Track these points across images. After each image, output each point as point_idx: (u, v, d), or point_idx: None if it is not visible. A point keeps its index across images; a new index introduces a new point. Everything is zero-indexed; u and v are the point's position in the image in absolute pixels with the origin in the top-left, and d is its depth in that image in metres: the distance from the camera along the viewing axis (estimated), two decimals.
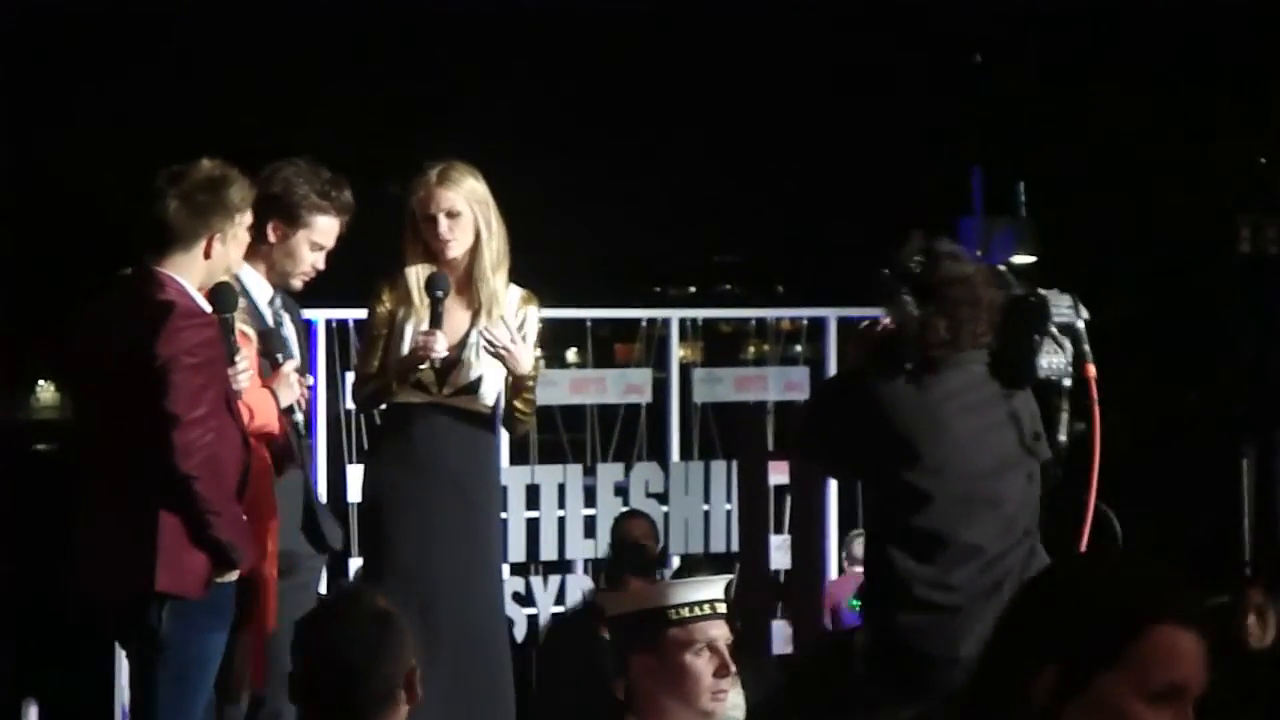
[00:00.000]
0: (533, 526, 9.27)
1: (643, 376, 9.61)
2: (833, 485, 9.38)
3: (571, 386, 9.55)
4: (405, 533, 6.43)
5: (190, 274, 5.61)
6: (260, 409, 5.95)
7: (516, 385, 6.49)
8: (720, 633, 4.40)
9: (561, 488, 9.32)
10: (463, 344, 6.50)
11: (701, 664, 4.36)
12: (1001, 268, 6.02)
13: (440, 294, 6.36)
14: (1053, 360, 5.71)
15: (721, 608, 4.44)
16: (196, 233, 5.60)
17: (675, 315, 9.83)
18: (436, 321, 6.36)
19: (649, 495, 9.46)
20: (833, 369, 9.27)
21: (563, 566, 9.39)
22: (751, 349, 11.17)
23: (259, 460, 5.88)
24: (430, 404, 6.47)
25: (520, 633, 9.08)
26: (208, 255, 5.62)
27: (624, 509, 9.27)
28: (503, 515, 7.83)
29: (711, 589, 4.44)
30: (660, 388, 9.65)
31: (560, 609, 9.30)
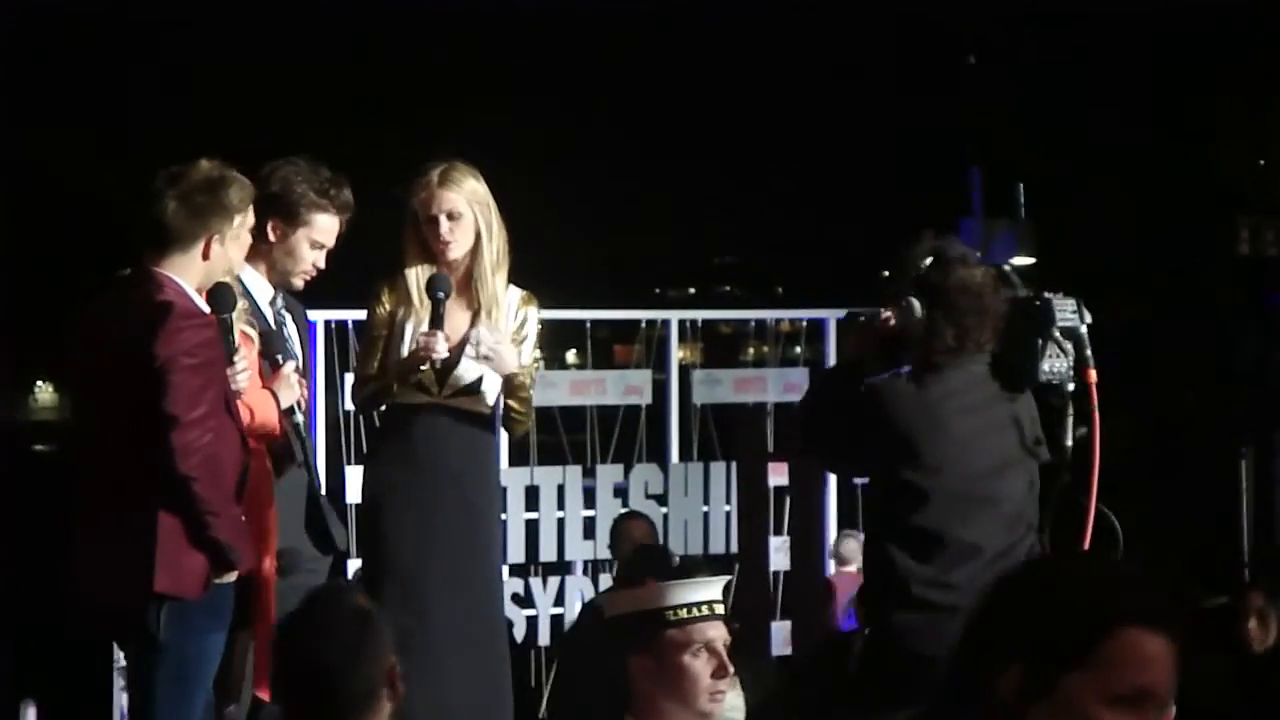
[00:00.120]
0: (532, 528, 9.27)
1: (642, 378, 9.62)
2: (832, 487, 9.39)
3: (571, 388, 9.55)
4: (405, 533, 6.42)
5: (189, 275, 5.61)
6: (261, 410, 5.95)
7: (508, 385, 6.49)
8: (718, 634, 4.39)
9: (561, 489, 9.33)
10: (463, 345, 6.49)
11: (699, 665, 4.36)
12: (1008, 268, 6.03)
13: (442, 295, 6.35)
14: (1055, 365, 5.72)
15: (719, 609, 4.43)
16: (195, 233, 5.59)
17: (675, 316, 9.84)
18: (438, 322, 6.35)
19: (648, 496, 9.46)
20: None
21: (562, 568, 9.39)
22: (751, 350, 11.18)
23: (258, 461, 5.88)
24: (430, 405, 6.46)
25: (520, 634, 9.08)
26: (206, 256, 5.62)
27: (623, 510, 9.27)
28: (502, 516, 7.83)
29: (709, 590, 4.43)
30: (660, 389, 9.65)
31: (559, 610, 9.30)
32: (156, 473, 5.40)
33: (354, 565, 8.01)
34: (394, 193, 6.54)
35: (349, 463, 8.64)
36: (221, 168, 5.68)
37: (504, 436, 7.12)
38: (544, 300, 6.71)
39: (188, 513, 5.42)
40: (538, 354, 6.67)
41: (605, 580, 9.24)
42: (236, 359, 5.76)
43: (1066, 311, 5.75)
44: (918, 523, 5.54)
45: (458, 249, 6.44)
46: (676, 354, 9.74)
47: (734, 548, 9.06)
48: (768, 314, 10.32)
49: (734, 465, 9.08)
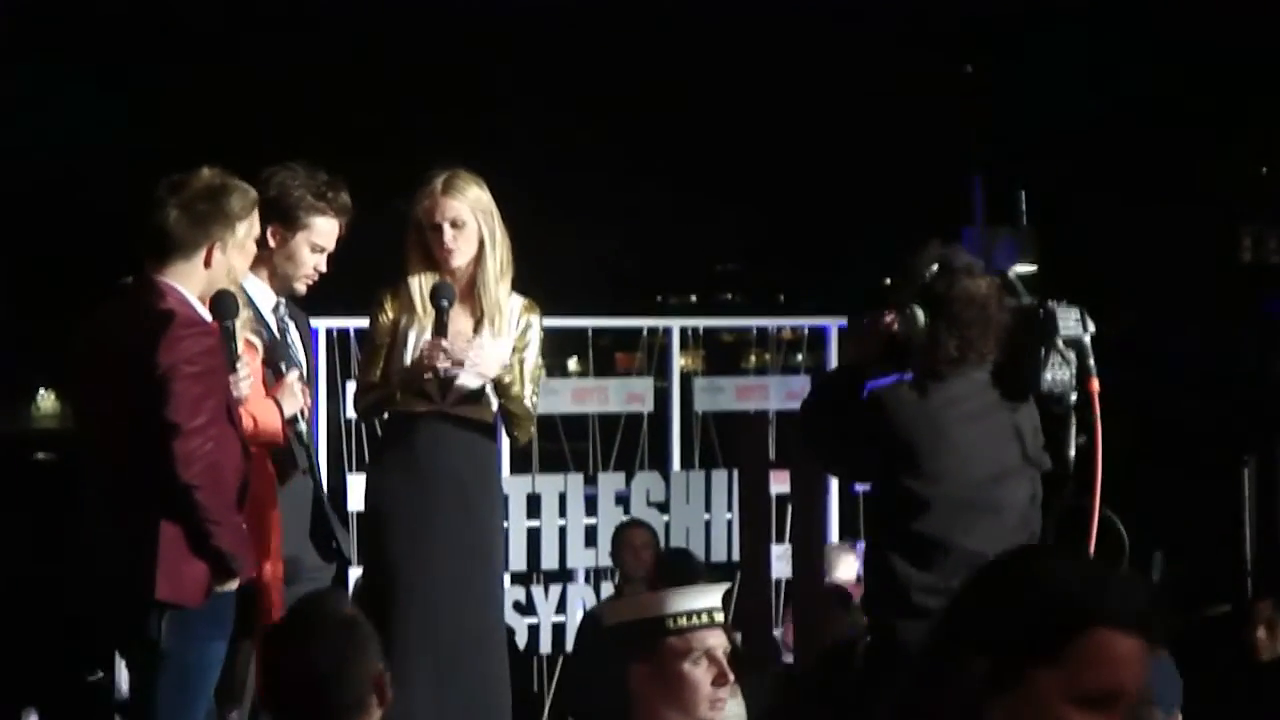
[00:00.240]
0: (534, 535, 9.27)
1: (644, 385, 9.62)
2: (833, 495, 9.38)
3: (573, 396, 9.55)
4: (406, 541, 6.42)
5: (190, 283, 5.61)
6: (265, 418, 5.95)
7: (496, 387, 6.47)
8: (718, 641, 4.39)
9: (563, 497, 9.32)
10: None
11: (699, 673, 4.35)
12: (1012, 276, 6.03)
13: (446, 303, 6.34)
14: (1058, 374, 5.71)
15: (719, 616, 4.43)
16: (197, 242, 5.59)
17: (676, 324, 9.84)
18: (441, 330, 6.35)
19: (650, 504, 9.46)
20: None
21: (564, 575, 9.39)
22: (753, 358, 11.19)
23: (261, 469, 5.88)
24: (433, 413, 6.45)
25: (521, 641, 9.08)
26: (208, 264, 5.62)
27: (625, 518, 9.27)
28: (504, 524, 7.83)
29: (709, 598, 4.43)
30: (661, 397, 9.65)
31: (561, 618, 9.30)
32: (158, 481, 5.40)
33: (356, 573, 8.01)
34: (395, 204, 6.54)
35: (351, 470, 8.64)
36: (223, 175, 5.68)
37: (506, 444, 7.12)
38: (546, 308, 6.70)
39: (189, 521, 5.43)
40: (540, 361, 6.67)
41: (607, 588, 9.24)
42: (239, 367, 5.76)
43: (1070, 321, 5.75)
44: (919, 530, 5.54)
45: (461, 257, 6.44)
46: (678, 362, 9.74)
47: (735, 555, 9.07)
48: (769, 322, 10.32)
49: (735, 473, 9.08)
